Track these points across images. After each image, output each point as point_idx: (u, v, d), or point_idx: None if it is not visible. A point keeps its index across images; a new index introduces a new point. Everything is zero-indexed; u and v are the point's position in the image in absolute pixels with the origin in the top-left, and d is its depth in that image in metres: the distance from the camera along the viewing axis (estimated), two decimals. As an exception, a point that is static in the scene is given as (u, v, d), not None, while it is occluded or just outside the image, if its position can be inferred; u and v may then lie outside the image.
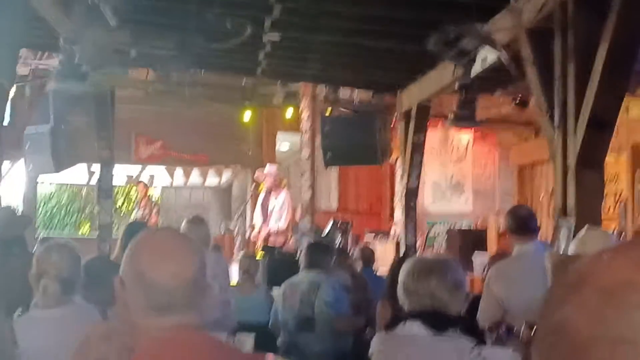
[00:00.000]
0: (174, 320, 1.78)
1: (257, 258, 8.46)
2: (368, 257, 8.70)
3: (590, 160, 4.64)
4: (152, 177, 14.53)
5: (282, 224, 11.60)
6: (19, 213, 7.74)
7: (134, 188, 15.69)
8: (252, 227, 12.41)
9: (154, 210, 13.45)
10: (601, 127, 4.57)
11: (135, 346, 1.78)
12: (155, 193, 16.27)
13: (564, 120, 4.72)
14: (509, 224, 5.07)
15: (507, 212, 5.44)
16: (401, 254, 8.72)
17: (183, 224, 6.43)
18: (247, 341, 4.76)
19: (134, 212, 14.14)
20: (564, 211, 4.70)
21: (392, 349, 3.16)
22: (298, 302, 6.06)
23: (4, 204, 5.29)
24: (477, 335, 3.33)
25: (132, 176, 14.54)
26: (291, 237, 11.67)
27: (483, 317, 4.82)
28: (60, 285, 3.15)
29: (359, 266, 8.51)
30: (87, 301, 3.44)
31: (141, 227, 6.47)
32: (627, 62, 4.49)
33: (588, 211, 4.58)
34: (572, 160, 4.65)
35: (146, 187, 13.81)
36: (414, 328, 3.10)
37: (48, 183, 15.99)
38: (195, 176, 14.91)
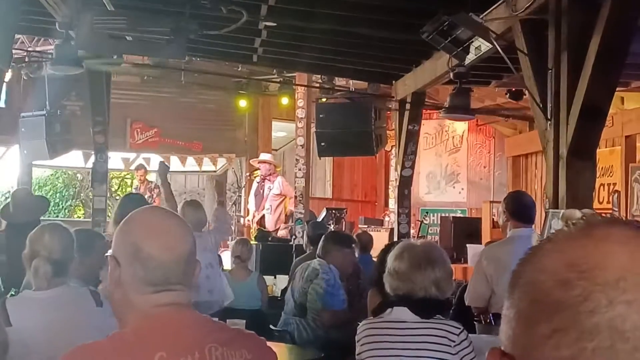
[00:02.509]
0: (168, 297, 1.80)
1: (251, 243, 8.47)
2: (366, 243, 8.30)
3: (582, 150, 4.67)
4: (148, 159, 14.33)
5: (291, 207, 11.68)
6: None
7: (129, 173, 15.52)
8: (247, 213, 12.44)
9: (155, 193, 13.12)
10: (593, 118, 4.61)
11: (126, 323, 1.80)
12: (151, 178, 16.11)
13: (556, 110, 4.75)
14: (511, 208, 5.10)
15: (511, 195, 5.53)
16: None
17: (180, 205, 6.46)
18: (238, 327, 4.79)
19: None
20: (555, 201, 4.74)
21: (379, 334, 3.19)
22: (299, 286, 6.04)
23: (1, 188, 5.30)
24: (465, 321, 3.37)
25: (129, 159, 14.39)
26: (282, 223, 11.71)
27: (472, 293, 4.90)
28: (51, 266, 3.14)
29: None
30: (79, 267, 3.44)
31: (139, 199, 6.39)
32: (619, 53, 4.52)
33: (579, 201, 4.61)
34: (564, 150, 4.69)
35: (145, 171, 13.60)
36: (402, 313, 3.13)
37: (43, 168, 15.93)
38: (189, 165, 14.85)
